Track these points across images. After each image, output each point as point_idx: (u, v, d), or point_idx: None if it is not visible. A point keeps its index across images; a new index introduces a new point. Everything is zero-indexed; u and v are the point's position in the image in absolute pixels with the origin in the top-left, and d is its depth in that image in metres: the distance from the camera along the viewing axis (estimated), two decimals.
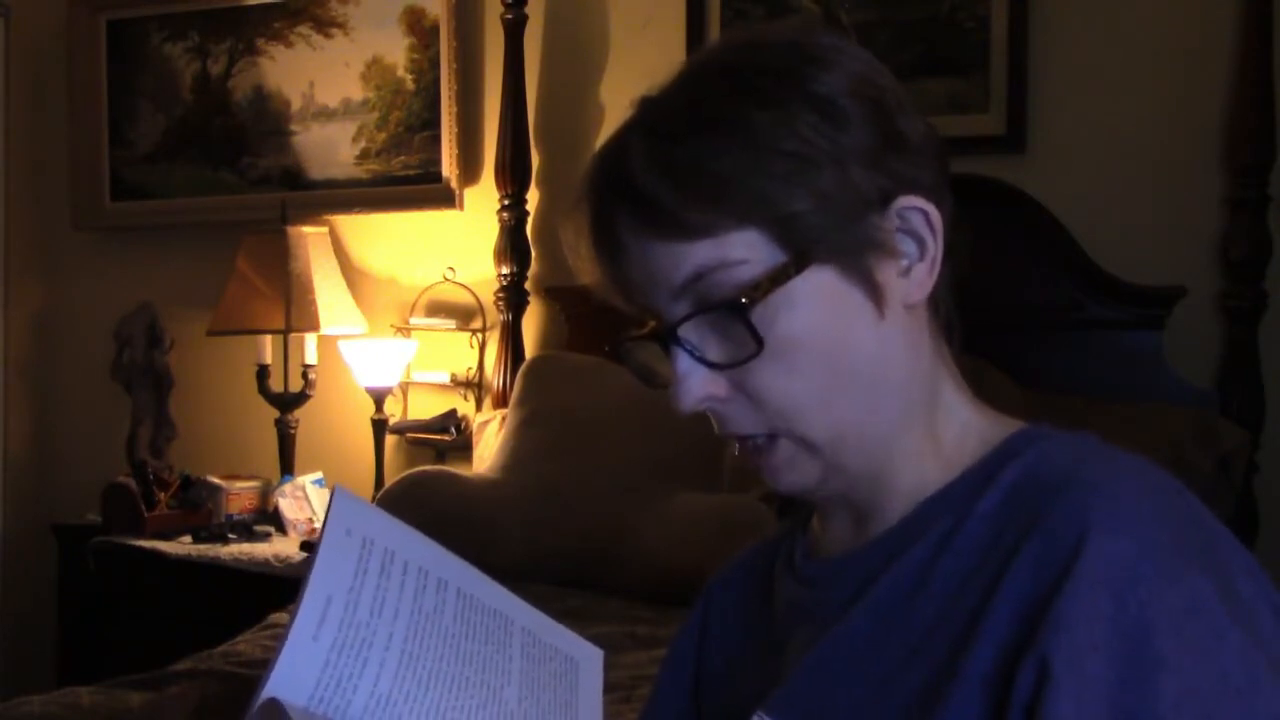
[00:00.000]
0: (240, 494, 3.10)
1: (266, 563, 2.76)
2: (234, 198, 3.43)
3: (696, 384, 0.73)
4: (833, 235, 0.71)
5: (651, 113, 0.75)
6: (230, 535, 2.92)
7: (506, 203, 3.06)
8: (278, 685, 0.65)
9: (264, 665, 0.65)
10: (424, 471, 2.68)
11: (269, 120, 3.42)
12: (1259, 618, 0.65)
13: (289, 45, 3.39)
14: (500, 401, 3.02)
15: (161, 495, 3.04)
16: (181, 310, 3.30)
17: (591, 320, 2.87)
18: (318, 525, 2.94)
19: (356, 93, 3.33)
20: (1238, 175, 2.61)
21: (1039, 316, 2.68)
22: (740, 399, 0.74)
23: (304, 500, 3.03)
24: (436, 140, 3.23)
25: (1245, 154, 2.59)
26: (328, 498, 0.86)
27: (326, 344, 3.17)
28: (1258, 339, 2.60)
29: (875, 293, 0.73)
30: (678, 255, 0.72)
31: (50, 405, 3.67)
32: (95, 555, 2.90)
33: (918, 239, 0.74)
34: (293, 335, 3.11)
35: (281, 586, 2.60)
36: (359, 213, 3.32)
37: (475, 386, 3.20)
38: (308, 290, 3.04)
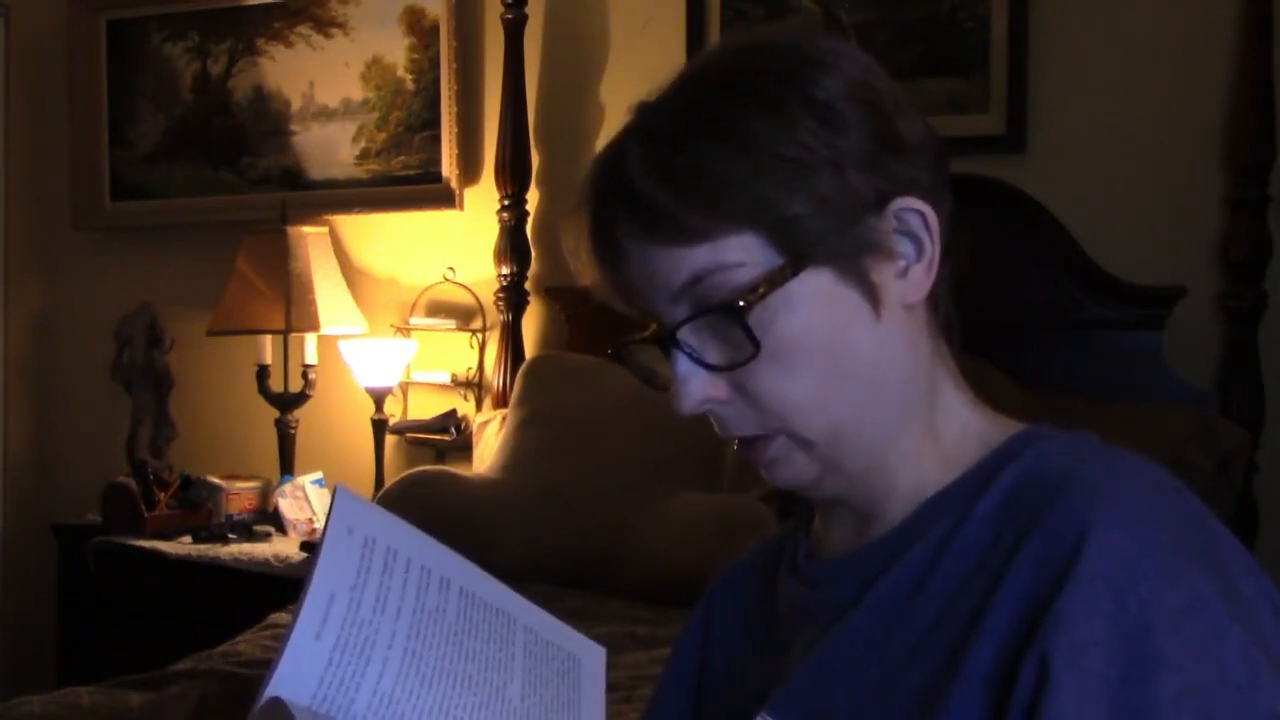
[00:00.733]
0: (240, 494, 3.11)
1: (266, 563, 2.77)
2: (234, 198, 3.44)
3: (696, 386, 0.74)
4: (829, 238, 0.71)
5: (649, 118, 0.75)
6: (230, 535, 2.92)
7: (506, 203, 3.06)
8: (281, 684, 0.65)
9: (264, 665, 0.65)
10: (424, 471, 2.68)
11: (269, 120, 3.42)
12: (1259, 617, 0.65)
13: (289, 45, 3.39)
14: (500, 401, 3.02)
15: (161, 495, 3.04)
16: (181, 310, 3.30)
17: (591, 320, 2.87)
18: (318, 525, 2.95)
19: (356, 93, 3.33)
20: (1238, 175, 2.61)
21: (1039, 316, 2.68)
22: (740, 400, 0.74)
23: (304, 500, 3.03)
24: (436, 140, 3.23)
25: (1245, 154, 2.59)
26: (328, 498, 0.86)
27: (326, 344, 3.17)
28: (1258, 339, 2.60)
29: (872, 294, 0.73)
30: (676, 259, 0.72)
31: (50, 405, 3.67)
32: (95, 555, 2.90)
33: (915, 240, 0.74)
34: (293, 335, 3.11)
35: (281, 586, 2.60)
36: (359, 213, 3.32)
37: (475, 386, 3.20)
38: (308, 290, 3.04)
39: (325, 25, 3.35)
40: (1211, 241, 2.66)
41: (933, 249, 0.74)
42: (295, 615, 0.66)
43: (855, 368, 0.74)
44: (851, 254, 0.72)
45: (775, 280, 0.71)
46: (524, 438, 2.71)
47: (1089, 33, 2.78)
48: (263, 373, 3.14)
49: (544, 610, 0.81)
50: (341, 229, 3.34)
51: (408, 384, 3.21)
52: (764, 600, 0.88)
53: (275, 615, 2.32)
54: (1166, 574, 0.64)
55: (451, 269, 3.21)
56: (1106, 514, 0.66)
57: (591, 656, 0.83)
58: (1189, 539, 0.66)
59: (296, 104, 3.39)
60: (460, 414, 3.12)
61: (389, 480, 2.84)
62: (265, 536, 2.97)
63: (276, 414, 3.17)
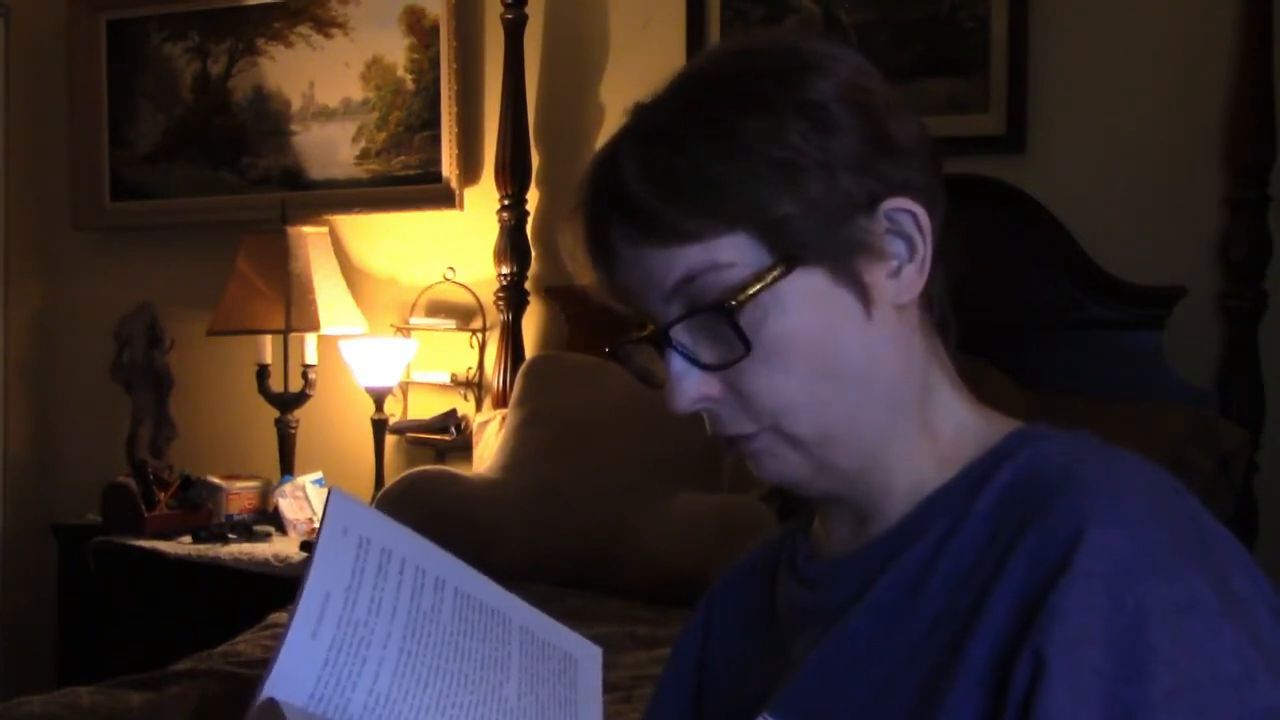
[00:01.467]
0: (240, 494, 3.11)
1: (266, 563, 2.77)
2: (234, 198, 3.44)
3: (690, 385, 0.74)
4: (820, 239, 0.72)
5: (644, 120, 0.76)
6: (230, 535, 2.92)
7: (506, 203, 3.06)
8: (277, 684, 0.65)
9: (264, 665, 0.65)
10: (424, 471, 2.68)
11: (269, 120, 3.42)
12: (1255, 616, 0.65)
13: (289, 45, 3.39)
14: (500, 401, 3.02)
15: (161, 495, 3.04)
16: (181, 310, 3.30)
17: (591, 320, 2.87)
18: (317, 525, 2.94)
19: (356, 93, 3.33)
20: (1238, 175, 2.61)
21: (1039, 316, 2.68)
22: (733, 399, 0.75)
23: (304, 500, 3.03)
24: (436, 140, 3.23)
25: (1245, 154, 2.59)
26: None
27: (326, 344, 3.17)
28: (1258, 339, 2.60)
29: (864, 294, 0.73)
30: (669, 259, 0.73)
31: (50, 405, 3.67)
32: (95, 555, 2.90)
33: (907, 240, 0.75)
34: (293, 335, 3.11)
35: (281, 586, 2.60)
36: (359, 213, 3.32)
37: (475, 386, 3.20)
38: (308, 290, 3.04)
39: (325, 25, 3.35)
40: (1211, 241, 2.66)
41: (925, 249, 0.75)
42: (291, 615, 0.66)
43: (847, 367, 0.74)
44: (843, 254, 0.73)
45: (766, 280, 0.71)
46: (524, 438, 2.71)
47: (1089, 33, 2.78)
48: (263, 373, 3.14)
49: (540, 611, 0.81)
50: (341, 229, 3.34)
51: (408, 384, 3.21)
52: (764, 601, 0.88)
53: (275, 615, 2.32)
54: (1163, 572, 0.64)
55: (451, 269, 3.21)
56: (1104, 512, 0.66)
57: (588, 656, 0.83)
58: (1186, 538, 0.66)
59: (296, 104, 3.39)
60: (460, 414, 3.12)
61: (389, 480, 2.84)
62: (265, 536, 2.97)
63: (276, 414, 3.17)
